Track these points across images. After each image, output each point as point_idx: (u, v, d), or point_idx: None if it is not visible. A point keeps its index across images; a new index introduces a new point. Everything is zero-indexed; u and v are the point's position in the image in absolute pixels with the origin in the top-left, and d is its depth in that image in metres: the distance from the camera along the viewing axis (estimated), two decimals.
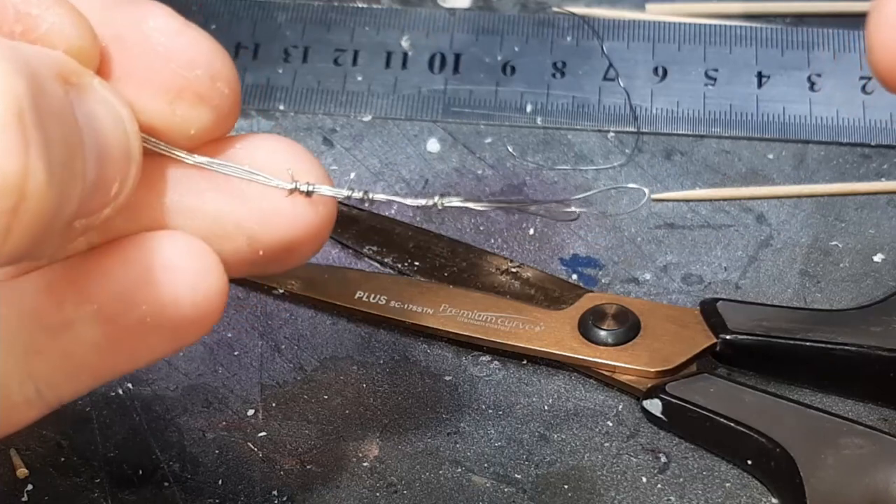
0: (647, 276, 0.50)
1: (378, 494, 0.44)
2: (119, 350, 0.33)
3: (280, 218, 0.32)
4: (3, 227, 0.25)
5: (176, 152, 0.32)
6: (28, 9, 0.29)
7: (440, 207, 0.35)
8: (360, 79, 0.58)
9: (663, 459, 0.45)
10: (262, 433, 0.46)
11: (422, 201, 0.35)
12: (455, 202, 0.35)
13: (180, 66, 0.31)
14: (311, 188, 0.33)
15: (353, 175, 0.54)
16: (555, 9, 0.60)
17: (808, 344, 0.46)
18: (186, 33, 0.31)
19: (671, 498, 0.44)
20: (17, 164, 0.24)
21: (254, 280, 0.50)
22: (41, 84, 0.26)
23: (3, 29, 0.29)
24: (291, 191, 0.33)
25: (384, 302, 0.48)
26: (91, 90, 0.29)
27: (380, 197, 0.34)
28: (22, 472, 0.44)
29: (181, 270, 0.32)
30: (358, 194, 0.34)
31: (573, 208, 0.40)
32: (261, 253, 0.33)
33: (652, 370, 0.46)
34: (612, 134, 0.56)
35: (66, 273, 0.32)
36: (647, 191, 0.49)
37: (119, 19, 0.31)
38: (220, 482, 0.44)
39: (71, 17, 0.29)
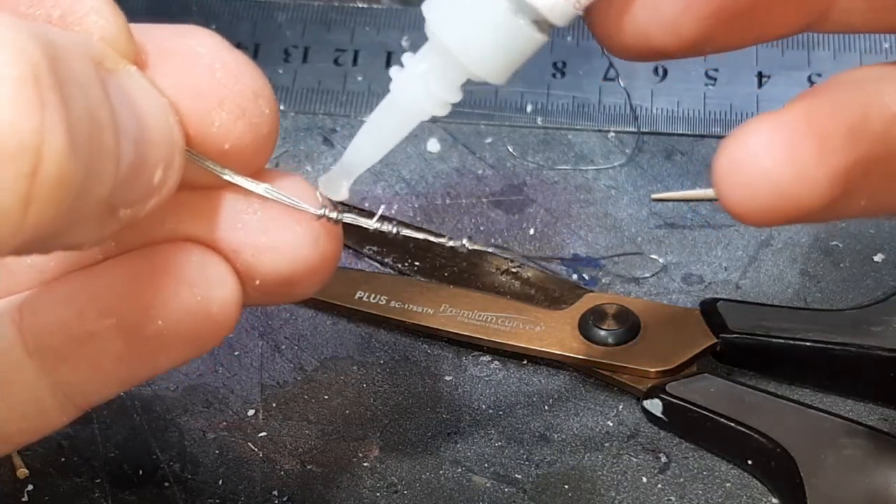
0: (648, 275, 0.50)
1: (378, 494, 0.44)
2: (140, 359, 0.33)
3: (276, 252, 0.32)
4: (24, 193, 0.25)
5: (208, 163, 0.31)
6: None
7: (466, 250, 0.35)
8: (360, 79, 0.58)
9: (663, 459, 0.45)
10: (262, 433, 0.46)
11: (450, 242, 0.35)
12: (478, 246, 0.35)
13: (224, 76, 0.31)
14: (339, 216, 0.33)
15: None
16: None
17: (808, 344, 0.46)
18: (231, 51, 0.32)
19: (671, 498, 0.44)
20: (32, 123, 0.24)
21: None
22: (64, 55, 0.26)
23: (41, 13, 0.29)
24: (320, 217, 0.33)
25: (384, 302, 0.48)
26: (127, 75, 0.29)
27: (409, 233, 0.34)
28: (22, 472, 0.44)
29: (194, 283, 0.32)
30: (387, 227, 0.34)
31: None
32: (257, 282, 0.33)
33: (652, 370, 0.46)
34: (612, 134, 0.56)
35: (85, 286, 0.33)
36: (661, 261, 0.50)
37: (163, 34, 0.31)
38: (220, 482, 0.44)
39: (108, 7, 0.29)
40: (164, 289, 0.32)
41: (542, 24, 0.30)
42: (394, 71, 0.32)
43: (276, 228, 0.32)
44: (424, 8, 0.31)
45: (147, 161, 0.29)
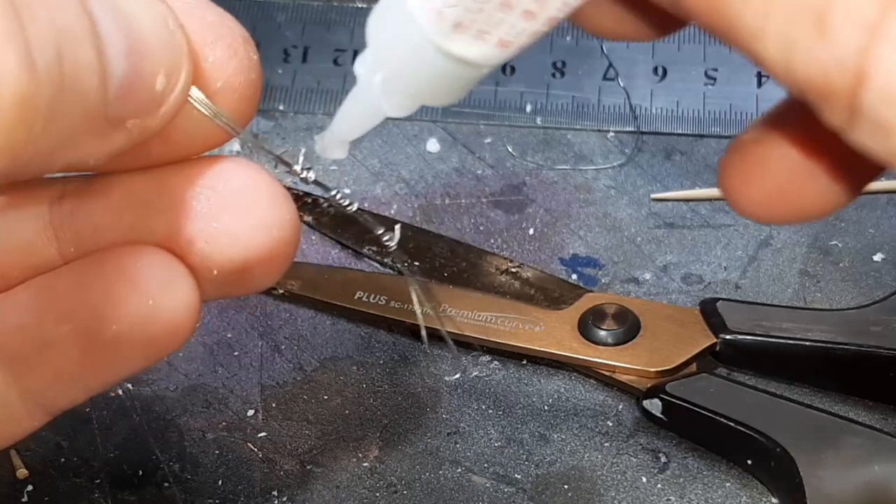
0: (647, 275, 0.50)
1: (378, 494, 0.44)
2: (99, 365, 0.33)
3: (231, 238, 0.32)
4: None
5: (196, 99, 0.31)
6: None
7: (393, 247, 0.34)
8: None
9: (663, 459, 0.45)
10: (262, 433, 0.46)
11: (380, 232, 0.34)
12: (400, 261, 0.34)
13: (214, 21, 0.31)
14: (312, 176, 0.33)
15: (353, 175, 0.54)
16: None
17: (808, 344, 0.46)
18: (217, 7, 0.32)
19: (671, 498, 0.44)
20: None
21: None
22: None
23: None
24: (300, 174, 0.33)
25: (384, 302, 0.48)
26: None
27: (361, 216, 0.34)
28: (22, 472, 0.44)
29: (145, 288, 0.31)
30: (345, 200, 0.34)
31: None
32: (215, 272, 0.32)
33: (652, 370, 0.46)
34: (611, 134, 0.56)
35: (44, 291, 0.33)
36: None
37: None
38: (220, 482, 0.44)
39: None
40: (116, 294, 0.31)
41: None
42: (358, 65, 0.31)
43: (229, 215, 0.32)
44: (367, 35, 0.30)
45: (144, 69, 0.28)
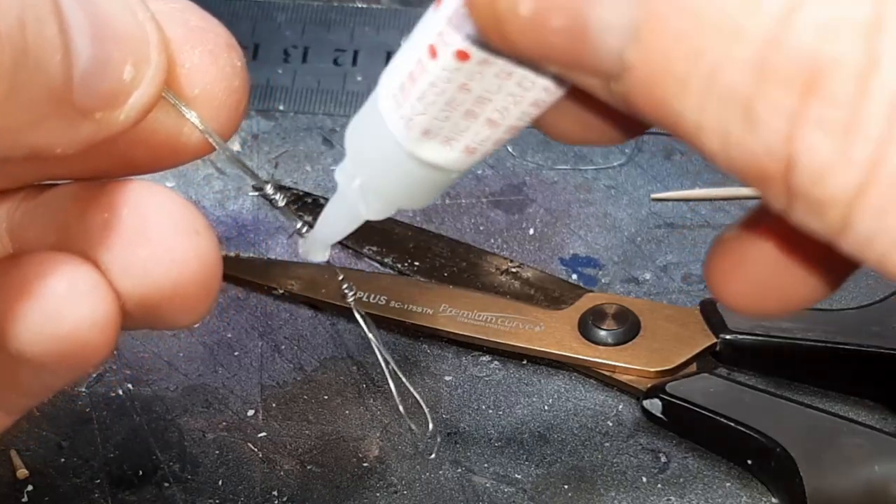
0: (647, 275, 0.50)
1: (378, 494, 0.44)
2: (17, 380, 0.30)
3: (126, 272, 0.29)
4: None
5: (179, 103, 0.30)
6: None
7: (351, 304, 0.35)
8: (359, 79, 0.58)
9: (663, 459, 0.45)
10: (262, 433, 0.46)
11: (348, 293, 0.35)
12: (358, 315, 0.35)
13: (197, 25, 0.30)
14: (283, 198, 0.33)
15: None
16: None
17: (808, 344, 0.46)
18: (204, 11, 0.31)
19: (671, 498, 0.44)
20: None
21: (254, 280, 0.50)
22: None
23: None
24: (271, 197, 0.33)
25: (384, 302, 0.48)
26: None
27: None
28: (22, 472, 0.44)
29: (41, 300, 0.29)
30: (299, 227, 0.34)
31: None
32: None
33: (652, 370, 0.46)
34: None
35: None
36: None
37: None
38: (220, 482, 0.44)
39: None
40: (13, 305, 0.29)
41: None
42: (338, 173, 0.31)
43: (129, 246, 0.29)
44: (346, 144, 0.31)
45: (111, 56, 0.28)
